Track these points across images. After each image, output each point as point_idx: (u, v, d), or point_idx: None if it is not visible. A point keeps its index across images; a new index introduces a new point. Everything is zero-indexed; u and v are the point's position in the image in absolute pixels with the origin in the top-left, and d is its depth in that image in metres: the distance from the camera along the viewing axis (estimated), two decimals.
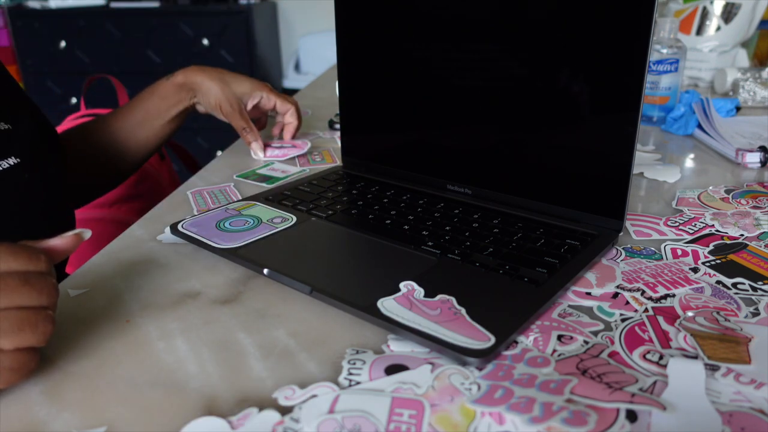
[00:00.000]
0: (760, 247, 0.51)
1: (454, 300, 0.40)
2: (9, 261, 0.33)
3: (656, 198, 0.64)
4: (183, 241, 0.53)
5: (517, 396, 0.32)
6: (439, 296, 0.40)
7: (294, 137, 0.82)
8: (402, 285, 0.42)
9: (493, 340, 0.36)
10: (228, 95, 0.75)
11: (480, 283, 0.43)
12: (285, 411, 0.32)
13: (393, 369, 0.35)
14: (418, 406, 0.32)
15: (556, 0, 0.50)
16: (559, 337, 0.38)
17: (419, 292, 0.41)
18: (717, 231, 0.54)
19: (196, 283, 0.46)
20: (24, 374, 0.33)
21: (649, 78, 0.95)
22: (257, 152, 0.77)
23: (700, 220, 0.57)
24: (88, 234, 0.38)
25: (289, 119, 0.81)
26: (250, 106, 0.78)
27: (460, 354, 0.35)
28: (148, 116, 0.75)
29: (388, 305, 0.39)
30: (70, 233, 0.37)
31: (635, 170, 0.70)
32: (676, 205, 0.61)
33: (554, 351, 0.36)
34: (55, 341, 0.38)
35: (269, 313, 0.42)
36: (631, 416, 0.31)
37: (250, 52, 2.30)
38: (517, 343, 0.37)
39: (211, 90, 0.74)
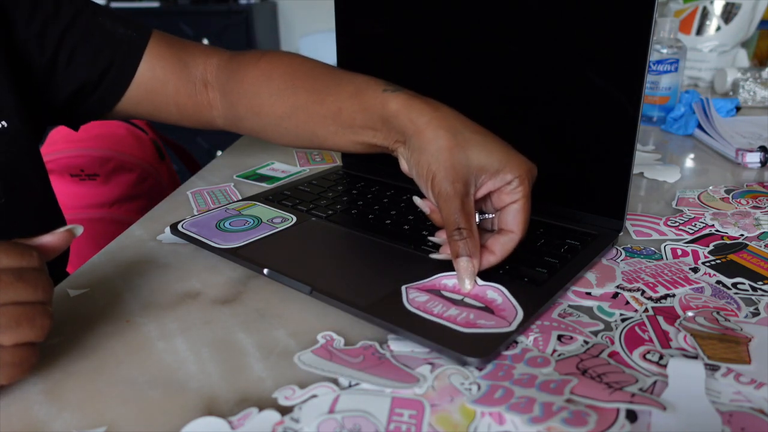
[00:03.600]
0: (760, 247, 0.51)
1: (377, 344, 0.38)
2: (1, 258, 0.32)
3: (656, 198, 0.64)
4: (183, 241, 0.53)
5: (517, 396, 0.32)
6: (361, 342, 0.38)
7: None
8: (319, 336, 0.39)
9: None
10: (456, 164, 0.42)
11: None
12: (285, 411, 0.32)
13: None
14: (418, 406, 0.32)
15: (556, 0, 0.50)
16: (559, 337, 0.38)
17: (338, 341, 0.38)
18: (717, 231, 0.54)
19: (196, 283, 0.46)
20: (25, 369, 0.33)
21: (649, 78, 0.95)
22: (465, 281, 0.41)
23: (700, 220, 0.57)
24: (80, 230, 0.38)
25: (503, 243, 0.43)
26: (482, 193, 0.44)
27: (460, 354, 0.35)
28: (336, 120, 0.51)
29: (306, 359, 0.36)
30: (62, 229, 0.37)
31: (635, 170, 0.71)
32: (676, 205, 0.61)
33: (554, 351, 0.36)
34: (55, 341, 0.38)
35: (269, 313, 0.42)
36: (631, 416, 0.31)
37: None
38: (517, 343, 0.37)
39: (430, 145, 0.43)
